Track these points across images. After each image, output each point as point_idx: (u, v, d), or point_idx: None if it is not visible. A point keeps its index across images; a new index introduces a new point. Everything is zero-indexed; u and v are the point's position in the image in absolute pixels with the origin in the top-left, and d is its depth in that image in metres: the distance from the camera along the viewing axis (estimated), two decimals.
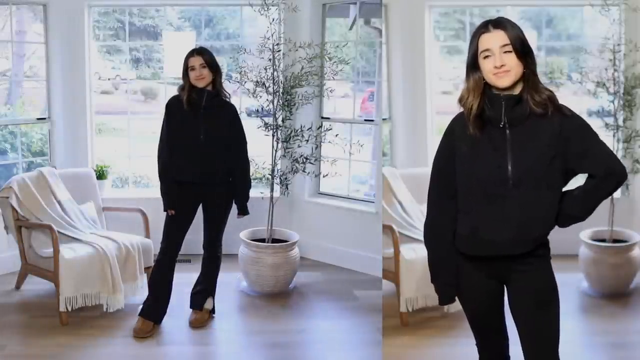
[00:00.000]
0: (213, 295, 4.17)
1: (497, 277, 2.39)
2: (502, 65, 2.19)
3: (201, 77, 3.77)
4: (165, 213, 3.93)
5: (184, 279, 4.28)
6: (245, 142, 4.03)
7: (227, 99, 3.95)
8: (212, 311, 4.18)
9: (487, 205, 2.26)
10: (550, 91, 2.24)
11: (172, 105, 3.89)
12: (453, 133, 2.35)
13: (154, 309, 4.01)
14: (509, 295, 2.42)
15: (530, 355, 2.38)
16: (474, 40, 2.25)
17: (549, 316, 2.36)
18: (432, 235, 2.42)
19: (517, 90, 2.24)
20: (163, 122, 3.92)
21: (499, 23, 2.23)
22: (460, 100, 2.31)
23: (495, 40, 2.20)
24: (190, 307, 4.13)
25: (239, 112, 4.07)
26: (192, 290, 4.16)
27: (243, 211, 4.07)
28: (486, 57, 2.22)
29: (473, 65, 2.26)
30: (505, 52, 2.19)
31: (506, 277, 2.38)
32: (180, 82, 3.92)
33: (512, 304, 2.40)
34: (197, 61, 3.78)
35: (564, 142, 2.23)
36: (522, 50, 2.20)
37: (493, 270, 2.37)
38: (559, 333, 2.39)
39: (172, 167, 3.86)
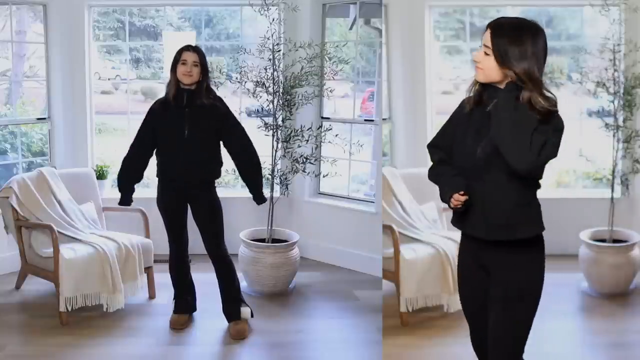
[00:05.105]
0: (243, 300, 4.15)
1: (482, 265, 2.45)
2: (477, 62, 2.30)
3: (189, 74, 3.74)
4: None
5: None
6: (244, 130, 3.97)
7: (211, 101, 3.83)
8: (251, 315, 4.15)
9: (469, 186, 2.36)
10: (551, 104, 2.23)
11: (156, 110, 3.89)
12: (461, 109, 2.46)
13: (181, 303, 4.15)
14: (489, 285, 2.46)
15: (490, 349, 2.43)
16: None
17: (515, 316, 2.37)
18: (432, 171, 2.55)
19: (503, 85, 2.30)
20: (141, 125, 3.92)
21: (492, 27, 2.28)
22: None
23: (485, 38, 2.29)
24: (228, 321, 4.05)
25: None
26: (222, 303, 4.07)
27: (260, 199, 4.04)
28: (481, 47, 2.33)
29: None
30: (485, 53, 2.28)
31: (488, 267, 2.43)
32: None
33: (487, 295, 2.45)
34: (190, 57, 3.75)
35: None
36: (502, 59, 2.24)
37: (478, 256, 2.44)
38: (522, 335, 2.40)
39: (159, 165, 3.91)
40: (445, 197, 2.42)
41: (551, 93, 2.27)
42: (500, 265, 2.38)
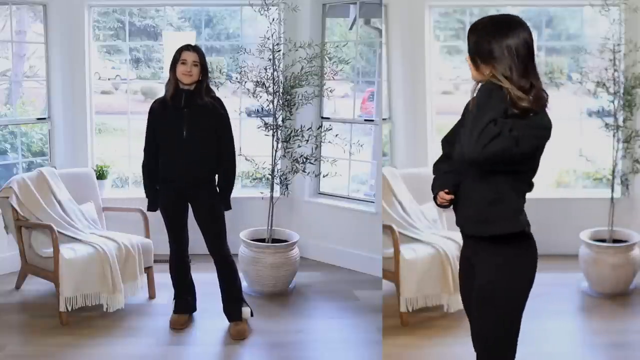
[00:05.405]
0: (244, 300, 4.15)
1: (472, 262, 2.46)
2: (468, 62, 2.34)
3: (189, 74, 3.73)
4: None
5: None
6: (232, 138, 3.96)
7: (210, 100, 3.83)
8: (251, 315, 4.15)
9: (461, 183, 2.40)
10: (530, 102, 2.19)
11: (155, 109, 3.88)
12: (467, 106, 2.44)
13: (181, 303, 4.15)
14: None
15: (473, 346, 2.44)
16: None
17: (494, 313, 2.35)
18: (435, 165, 2.58)
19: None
20: (146, 127, 3.93)
21: (470, 29, 2.31)
22: None
23: None
24: (229, 321, 4.05)
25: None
26: (223, 302, 4.07)
27: (225, 205, 3.98)
28: None
29: None
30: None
31: (474, 263, 2.44)
32: None
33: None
34: (190, 57, 3.74)
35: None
36: (473, 60, 2.29)
37: (469, 252, 2.48)
38: (500, 335, 2.37)
39: (158, 167, 3.90)
40: (433, 193, 2.48)
41: (544, 91, 2.24)
42: (483, 260, 2.39)
